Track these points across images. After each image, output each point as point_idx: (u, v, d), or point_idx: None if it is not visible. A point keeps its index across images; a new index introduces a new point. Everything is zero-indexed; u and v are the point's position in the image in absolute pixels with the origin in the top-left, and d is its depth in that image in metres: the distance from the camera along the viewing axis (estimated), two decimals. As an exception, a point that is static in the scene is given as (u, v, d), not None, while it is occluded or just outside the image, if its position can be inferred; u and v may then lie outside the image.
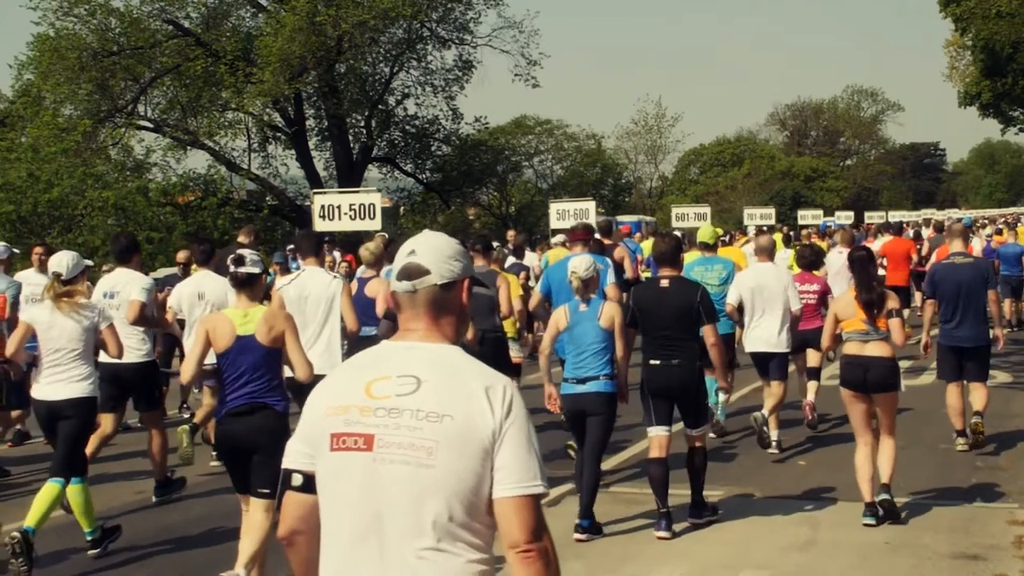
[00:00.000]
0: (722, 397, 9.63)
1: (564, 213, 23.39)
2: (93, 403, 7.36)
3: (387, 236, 14.92)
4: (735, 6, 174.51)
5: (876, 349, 7.62)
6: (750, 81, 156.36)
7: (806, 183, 70.28)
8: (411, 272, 2.68)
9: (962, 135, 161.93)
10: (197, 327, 6.52)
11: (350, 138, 37.97)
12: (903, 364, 9.01)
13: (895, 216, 49.62)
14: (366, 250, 9.55)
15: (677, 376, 7.48)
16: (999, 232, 27.83)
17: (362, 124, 38.34)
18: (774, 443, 9.90)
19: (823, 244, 19.45)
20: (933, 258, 14.65)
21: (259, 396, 6.02)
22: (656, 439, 7.53)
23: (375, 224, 17.51)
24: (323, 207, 17.48)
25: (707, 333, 7.53)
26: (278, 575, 6.07)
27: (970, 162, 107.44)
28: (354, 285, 9.14)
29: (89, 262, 8.01)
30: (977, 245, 19.71)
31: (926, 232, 25.05)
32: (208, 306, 9.43)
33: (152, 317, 8.82)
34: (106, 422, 8.60)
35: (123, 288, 8.60)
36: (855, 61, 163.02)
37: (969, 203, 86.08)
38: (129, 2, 32.65)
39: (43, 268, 11.88)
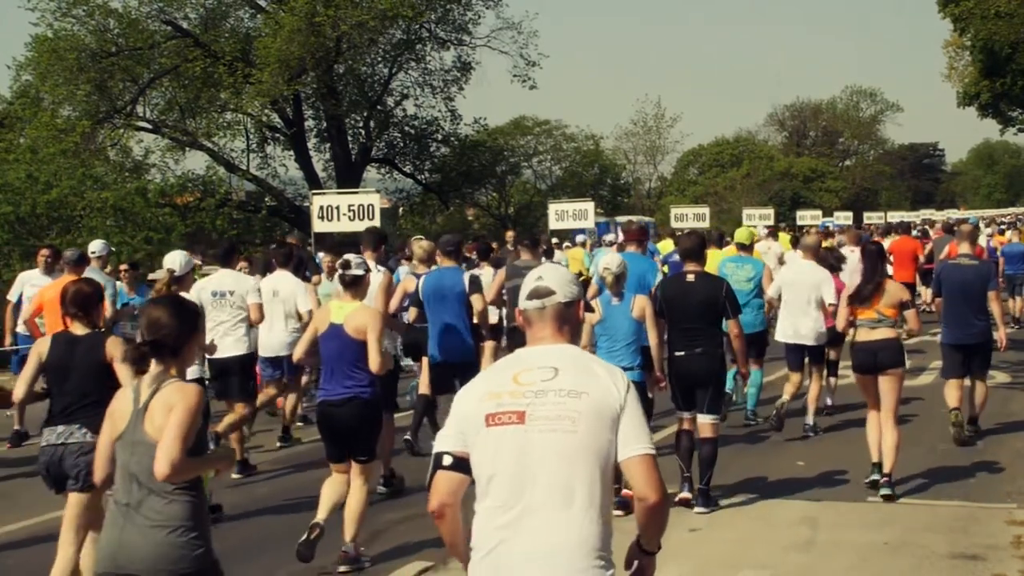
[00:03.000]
0: (743, 383, 10.64)
1: (563, 214, 23.42)
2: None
3: (423, 240, 15.28)
4: (734, 6, 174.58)
5: (883, 333, 8.32)
6: (749, 81, 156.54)
7: (805, 184, 70.24)
8: (541, 293, 3.40)
9: (961, 135, 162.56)
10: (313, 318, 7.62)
11: (349, 139, 37.94)
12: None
13: (894, 216, 49.72)
14: (420, 248, 10.45)
15: (699, 363, 7.99)
16: (1001, 231, 28.01)
17: (361, 125, 38.31)
18: (809, 426, 10.58)
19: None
20: (943, 256, 14.86)
21: (350, 387, 6.90)
22: (686, 420, 8.13)
23: (374, 225, 17.49)
24: (322, 208, 17.47)
25: (731, 326, 8.16)
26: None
27: (969, 162, 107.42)
28: (412, 281, 9.81)
29: (198, 260, 8.55)
30: (983, 243, 20.17)
31: (932, 232, 25.34)
32: (280, 303, 10.49)
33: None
34: (239, 408, 9.49)
35: (236, 288, 9.40)
36: (854, 61, 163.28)
37: (968, 203, 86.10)
38: (127, 3, 32.61)
39: (48, 270, 11.89)
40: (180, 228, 27.76)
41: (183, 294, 7.76)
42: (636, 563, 3.35)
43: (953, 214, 52.52)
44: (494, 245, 20.38)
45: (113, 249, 13.18)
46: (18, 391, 6.46)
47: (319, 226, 17.36)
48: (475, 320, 9.47)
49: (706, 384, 8.01)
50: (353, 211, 17.24)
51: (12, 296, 12.26)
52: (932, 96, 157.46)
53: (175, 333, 4.17)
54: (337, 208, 17.39)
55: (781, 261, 15.33)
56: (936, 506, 8.01)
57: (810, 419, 10.63)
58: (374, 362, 6.83)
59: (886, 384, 8.30)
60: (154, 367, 4.16)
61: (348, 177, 35.78)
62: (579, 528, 3.12)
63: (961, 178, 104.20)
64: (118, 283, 11.89)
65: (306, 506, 8.52)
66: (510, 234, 23.26)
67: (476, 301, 9.31)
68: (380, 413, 7.32)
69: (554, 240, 21.92)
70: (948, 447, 9.84)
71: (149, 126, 34.72)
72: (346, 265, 7.25)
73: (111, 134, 33.05)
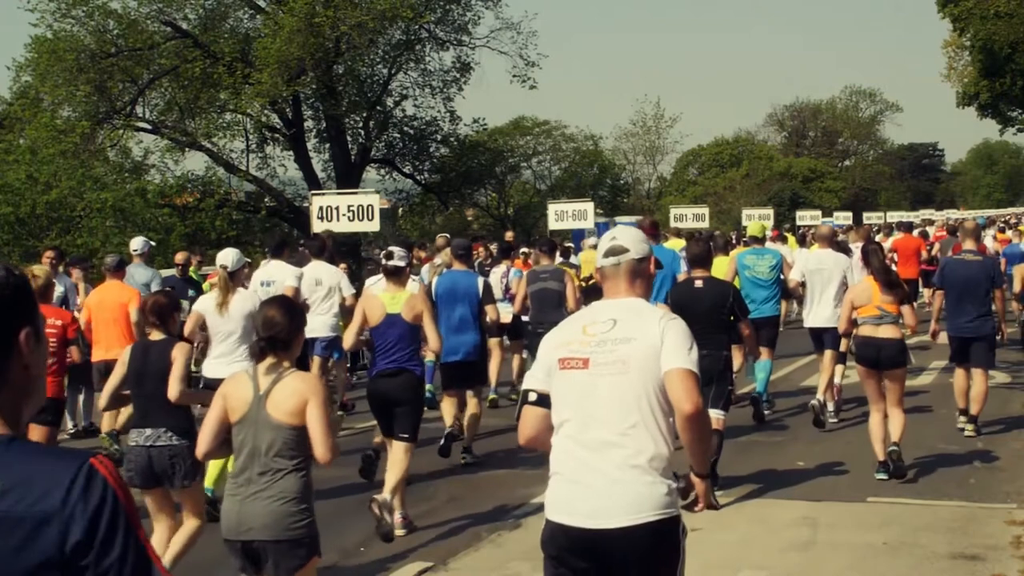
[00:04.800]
0: (758, 366, 11.43)
1: (562, 214, 23.41)
2: None
3: (448, 237, 15.98)
4: (733, 6, 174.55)
5: (887, 331, 8.70)
6: (748, 82, 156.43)
7: (804, 184, 70.19)
8: (616, 250, 3.90)
9: (960, 135, 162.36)
10: (356, 306, 8.23)
11: (348, 139, 37.90)
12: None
13: (893, 216, 49.69)
14: (445, 255, 11.34)
15: (703, 364, 7.99)
16: (1001, 231, 28.16)
17: (360, 125, 38.26)
18: (830, 416, 10.88)
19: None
20: (949, 254, 15.18)
21: (403, 363, 7.61)
22: None
23: (373, 225, 17.49)
24: (321, 208, 17.45)
25: (742, 328, 8.57)
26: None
27: (968, 162, 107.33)
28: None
29: (198, 257, 9.07)
30: (990, 244, 20.71)
31: (932, 231, 25.62)
32: (325, 289, 11.22)
33: (302, 301, 10.23)
34: None
35: (278, 278, 10.05)
36: (853, 61, 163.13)
37: (968, 204, 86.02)
38: (127, 4, 32.56)
39: (53, 271, 11.86)
40: (179, 229, 27.76)
41: (241, 289, 8.60)
42: (692, 493, 3.87)
43: (953, 214, 52.49)
44: (492, 246, 20.50)
45: (153, 244, 13.91)
46: (101, 402, 7.00)
47: (318, 227, 17.32)
48: (490, 322, 10.15)
49: (709, 383, 8.12)
50: (352, 211, 17.22)
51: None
52: (931, 96, 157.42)
53: (287, 329, 4.77)
54: (336, 208, 17.37)
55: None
56: (936, 506, 8.01)
57: (820, 395, 10.82)
58: (434, 340, 7.69)
59: (890, 381, 8.76)
60: (268, 359, 4.74)
61: (347, 177, 35.75)
62: (639, 448, 3.63)
63: (960, 178, 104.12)
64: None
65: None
66: (510, 235, 23.26)
67: (491, 311, 9.91)
68: (424, 392, 8.12)
69: (587, 243, 21.95)
70: (948, 447, 9.86)
71: (148, 127, 34.68)
72: (389, 255, 7.93)
73: (110, 135, 33.01)
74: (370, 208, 17.22)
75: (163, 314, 6.62)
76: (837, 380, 11.56)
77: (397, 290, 7.75)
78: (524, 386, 3.92)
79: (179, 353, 6.47)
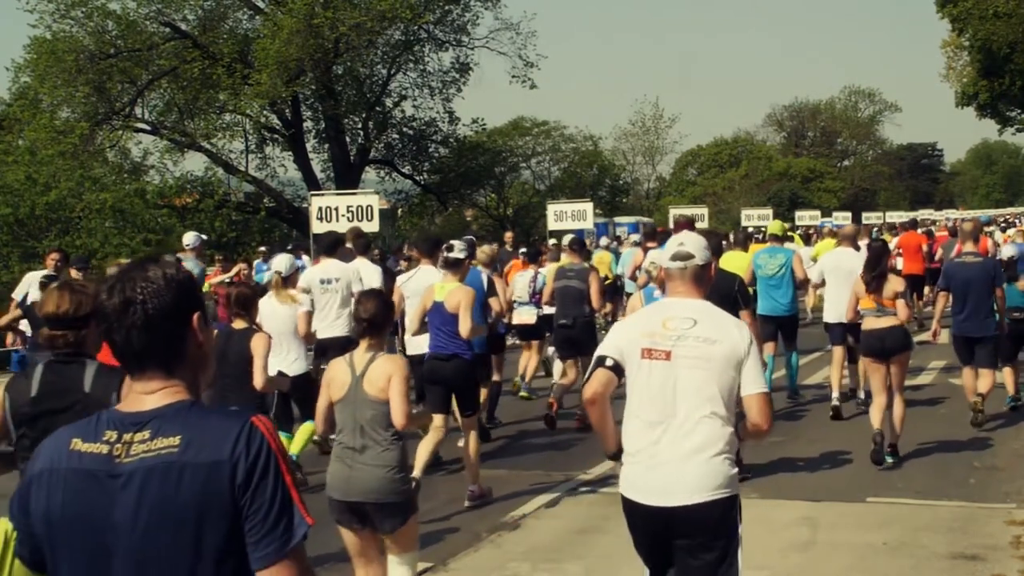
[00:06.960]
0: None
1: (561, 214, 23.43)
2: (308, 376, 9.20)
3: (473, 239, 16.02)
4: (732, 7, 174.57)
5: (889, 321, 9.16)
6: (747, 82, 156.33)
7: (804, 184, 70.20)
8: (682, 256, 4.30)
9: (959, 135, 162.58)
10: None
11: (347, 140, 37.90)
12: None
13: (892, 216, 49.69)
14: (482, 252, 11.53)
15: None
16: (1002, 230, 28.25)
17: (359, 126, 38.26)
18: (836, 400, 11.30)
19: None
20: (952, 255, 15.35)
21: (453, 348, 8.31)
22: None
23: (373, 226, 17.50)
24: (321, 209, 17.48)
25: (744, 316, 8.63)
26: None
27: (967, 162, 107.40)
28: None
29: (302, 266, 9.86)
30: (998, 237, 20.99)
31: (935, 230, 25.84)
32: (364, 286, 11.23)
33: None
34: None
35: (341, 276, 10.36)
36: (852, 62, 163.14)
37: (967, 203, 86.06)
38: (126, 4, 32.56)
39: (57, 272, 11.88)
40: (179, 229, 27.71)
41: (292, 291, 9.22)
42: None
43: (952, 214, 52.51)
44: (488, 247, 20.48)
45: (204, 237, 14.28)
46: None
47: (318, 227, 17.35)
48: (496, 315, 10.68)
49: None
50: (352, 212, 17.25)
51: (17, 295, 12.25)
52: (930, 96, 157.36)
53: (382, 315, 5.62)
54: (336, 209, 17.40)
55: None
56: (936, 506, 8.01)
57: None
58: (463, 328, 8.18)
59: (895, 365, 9.20)
60: (363, 344, 5.56)
61: (347, 178, 35.75)
62: (710, 435, 4.13)
63: (959, 178, 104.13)
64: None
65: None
66: (509, 235, 23.24)
67: (494, 303, 10.40)
68: (476, 373, 8.83)
69: (552, 242, 21.96)
70: (948, 447, 9.85)
71: (148, 127, 34.67)
72: (449, 248, 8.56)
73: (110, 135, 32.99)
74: (369, 208, 17.26)
75: (247, 304, 7.50)
76: (847, 381, 11.86)
77: (451, 281, 8.43)
78: (600, 352, 4.32)
79: (259, 344, 7.25)
